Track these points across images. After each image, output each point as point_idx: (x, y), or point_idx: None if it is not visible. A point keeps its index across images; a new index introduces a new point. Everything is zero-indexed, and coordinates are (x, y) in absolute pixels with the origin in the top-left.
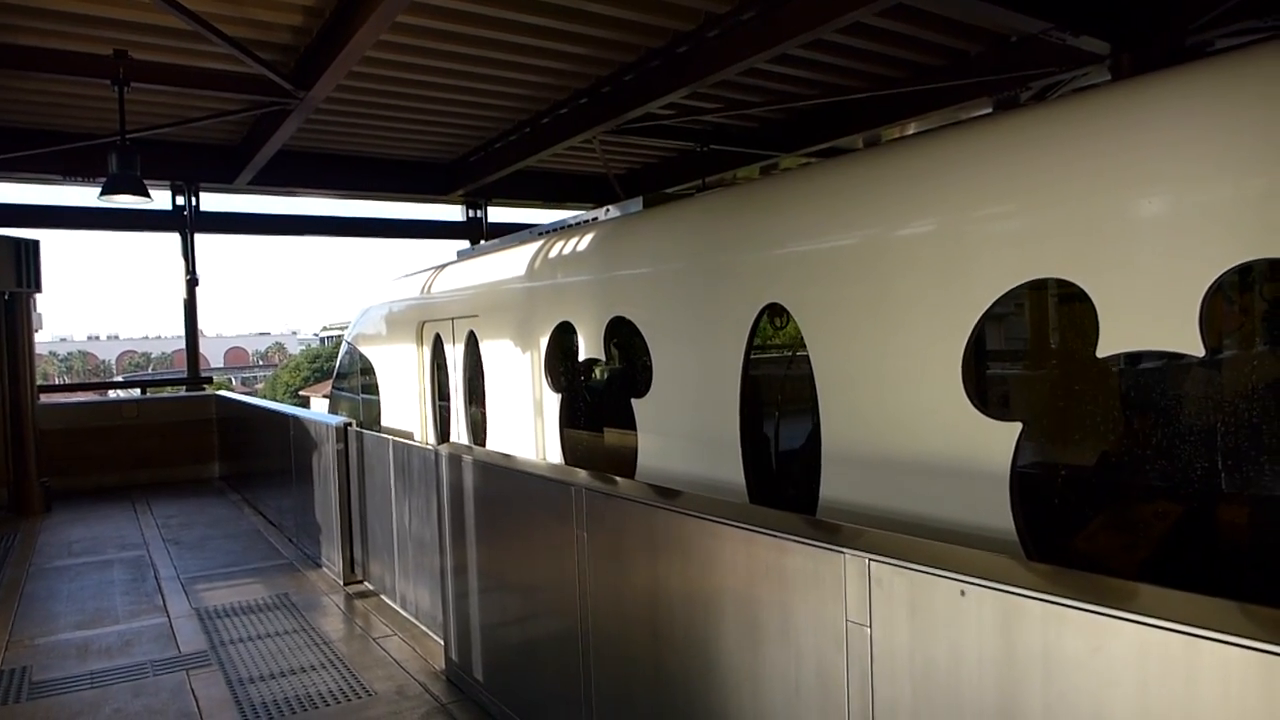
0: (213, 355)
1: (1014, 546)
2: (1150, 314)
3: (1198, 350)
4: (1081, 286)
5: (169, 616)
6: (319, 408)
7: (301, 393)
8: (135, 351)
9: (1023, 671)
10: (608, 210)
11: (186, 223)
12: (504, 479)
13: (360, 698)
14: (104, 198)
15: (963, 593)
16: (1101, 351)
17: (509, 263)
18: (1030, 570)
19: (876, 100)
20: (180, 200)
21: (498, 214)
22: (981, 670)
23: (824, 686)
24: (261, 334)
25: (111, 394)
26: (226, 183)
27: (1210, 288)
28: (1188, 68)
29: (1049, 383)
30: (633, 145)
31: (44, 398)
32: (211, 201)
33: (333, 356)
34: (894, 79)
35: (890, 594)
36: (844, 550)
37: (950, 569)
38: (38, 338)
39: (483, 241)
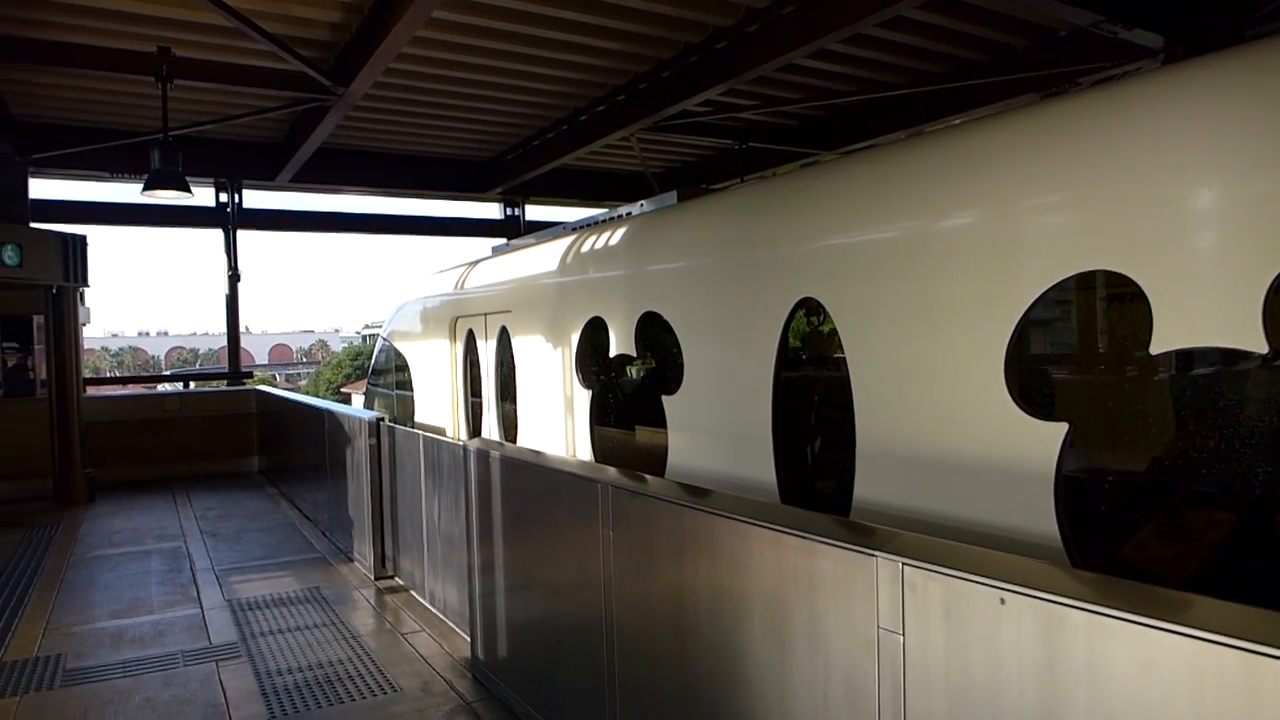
0: (258, 352)
1: (1058, 553)
2: (1210, 308)
3: (1261, 347)
4: (1134, 279)
5: (202, 607)
6: (359, 404)
7: (343, 389)
8: (183, 347)
9: (1066, 686)
10: (641, 205)
11: (229, 219)
12: (531, 475)
13: (386, 693)
14: (146, 193)
15: (1002, 601)
16: (1155, 348)
17: (541, 258)
18: (1075, 578)
19: (918, 97)
20: (223, 197)
21: (535, 212)
22: (1021, 683)
23: (853, 694)
24: (305, 331)
25: (158, 387)
26: (268, 180)
27: (1276, 280)
28: (1248, 48)
29: (1098, 381)
30: (670, 143)
31: (90, 390)
32: (254, 198)
33: (373, 354)
34: (936, 75)
35: (925, 600)
36: (876, 553)
37: (989, 575)
38: (89, 332)
39: (508, 241)
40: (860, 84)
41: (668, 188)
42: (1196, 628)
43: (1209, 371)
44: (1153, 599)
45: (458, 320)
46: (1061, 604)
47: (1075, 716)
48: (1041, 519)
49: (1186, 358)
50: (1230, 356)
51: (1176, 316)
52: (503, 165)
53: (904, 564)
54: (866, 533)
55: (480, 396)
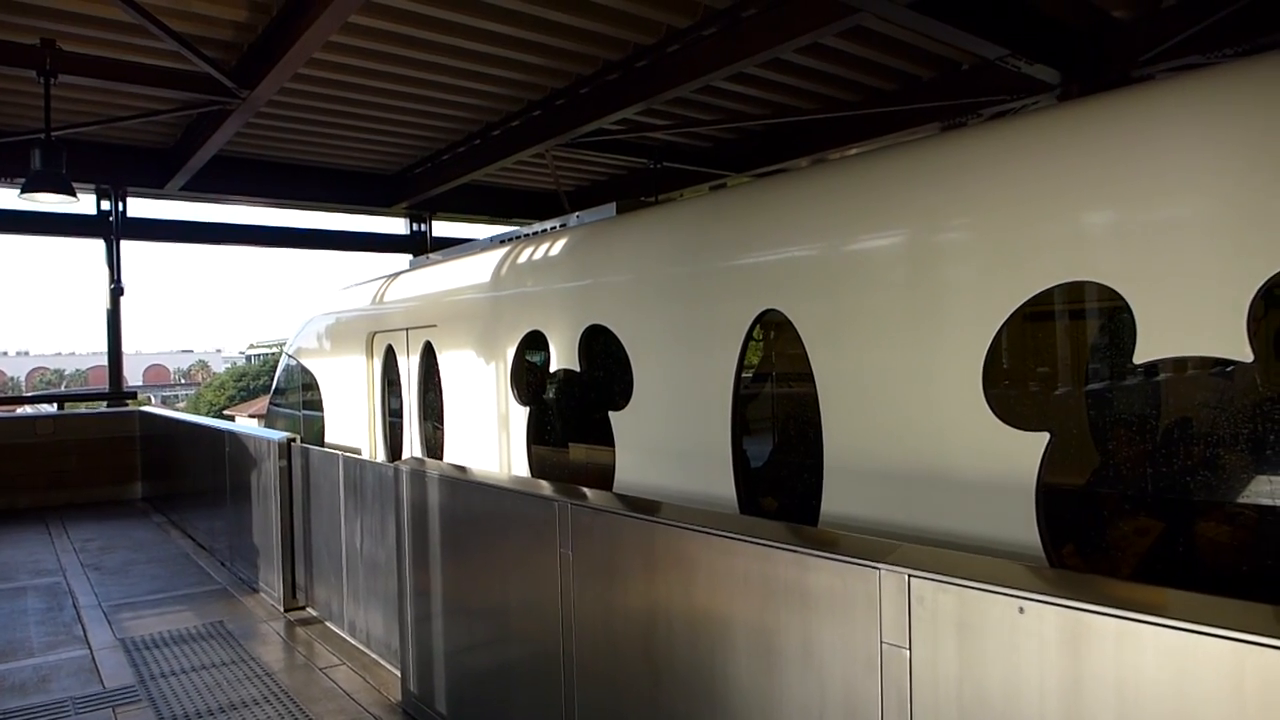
0: (132, 373)
1: (1040, 563)
2: (1194, 318)
3: (1245, 356)
4: (1117, 290)
5: (91, 648)
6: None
7: (226, 411)
8: (47, 368)
9: (1094, 699)
10: (578, 217)
11: (112, 229)
12: (476, 495)
13: None
14: (25, 196)
15: (1021, 610)
16: (1139, 358)
17: (471, 270)
18: (1100, 584)
19: (826, 123)
20: (106, 205)
21: (442, 228)
22: (1043, 697)
23: (853, 715)
24: (184, 351)
25: (21, 410)
26: (157, 188)
27: (1260, 290)
28: (1237, 64)
29: (1079, 391)
30: (583, 161)
31: None
32: (138, 207)
33: (260, 375)
34: (845, 102)
35: (934, 613)
36: (879, 565)
37: (1006, 584)
38: None
39: (429, 254)
40: (774, 108)
41: (579, 206)
42: (1238, 630)
43: (1193, 380)
44: (1187, 603)
45: (375, 336)
46: (1088, 611)
47: None
48: (1023, 530)
49: (1170, 367)
50: (1215, 365)
51: (1161, 327)
52: (410, 179)
53: (910, 575)
54: (865, 545)
55: (400, 416)
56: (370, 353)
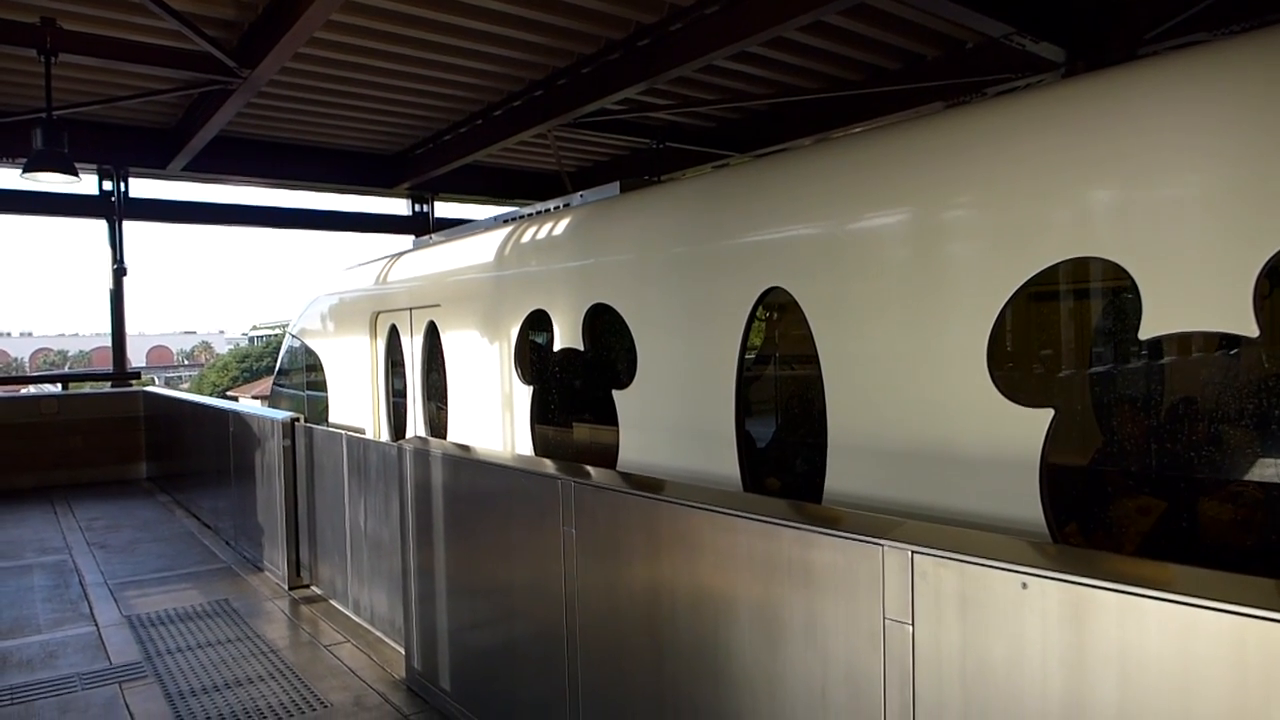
0: (135, 354)
1: (1044, 539)
2: (1200, 293)
3: (1251, 331)
4: (1123, 266)
5: (97, 625)
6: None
7: (230, 393)
8: (50, 349)
9: (1096, 671)
10: (581, 196)
11: (115, 209)
12: (479, 474)
13: (314, 710)
14: (27, 176)
15: (1024, 585)
16: (1144, 334)
17: (474, 250)
18: (1104, 560)
19: (829, 102)
20: (108, 185)
21: (444, 209)
22: (1046, 670)
23: (856, 690)
24: (187, 333)
25: (26, 390)
26: (159, 168)
27: (1267, 264)
28: (1243, 39)
29: (1084, 368)
30: (585, 141)
31: None
32: (140, 188)
33: (263, 356)
34: (849, 81)
35: (937, 588)
36: (882, 542)
37: (1009, 560)
38: None
39: (432, 234)
40: (777, 87)
41: (581, 187)
42: (1239, 604)
43: (1199, 356)
44: (1190, 577)
45: (379, 315)
46: (1090, 586)
47: (1105, 701)
48: (1027, 506)
49: (1175, 342)
50: (1220, 341)
51: (1166, 302)
52: (412, 160)
53: (913, 551)
54: (868, 521)
55: (404, 395)
56: (374, 333)
